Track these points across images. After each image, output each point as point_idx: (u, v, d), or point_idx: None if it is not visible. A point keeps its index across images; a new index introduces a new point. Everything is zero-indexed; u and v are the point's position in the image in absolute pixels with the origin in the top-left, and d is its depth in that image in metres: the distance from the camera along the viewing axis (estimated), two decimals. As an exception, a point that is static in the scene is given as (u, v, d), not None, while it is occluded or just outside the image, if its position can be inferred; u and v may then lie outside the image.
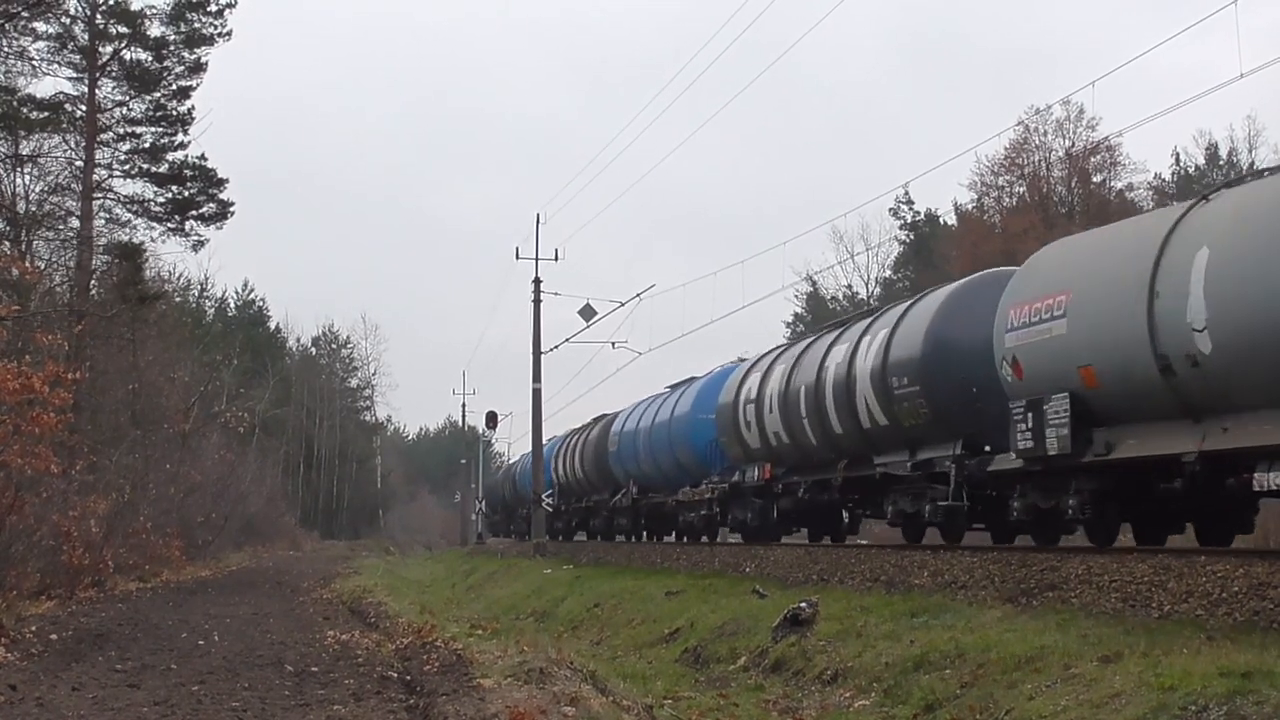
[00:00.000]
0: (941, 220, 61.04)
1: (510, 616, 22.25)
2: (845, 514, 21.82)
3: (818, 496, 20.86)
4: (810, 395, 19.81)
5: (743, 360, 26.70)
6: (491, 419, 56.87)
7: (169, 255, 65.96)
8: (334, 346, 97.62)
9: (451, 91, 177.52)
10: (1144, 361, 11.79)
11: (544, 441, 41.34)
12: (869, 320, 19.17)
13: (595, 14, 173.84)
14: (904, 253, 64.85)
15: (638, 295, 38.32)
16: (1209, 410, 11.41)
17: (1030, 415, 13.36)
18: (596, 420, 38.51)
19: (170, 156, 33.65)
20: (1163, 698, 7.66)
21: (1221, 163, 52.16)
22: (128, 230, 33.65)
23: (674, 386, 30.96)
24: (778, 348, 24.86)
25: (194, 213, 34.17)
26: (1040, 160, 50.35)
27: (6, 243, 28.77)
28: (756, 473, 22.51)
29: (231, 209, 34.61)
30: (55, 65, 31.31)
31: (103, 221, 32.74)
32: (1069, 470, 13.28)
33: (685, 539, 29.61)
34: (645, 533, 34.08)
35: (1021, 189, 51.51)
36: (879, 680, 10.71)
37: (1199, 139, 54.91)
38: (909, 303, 18.21)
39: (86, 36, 31.46)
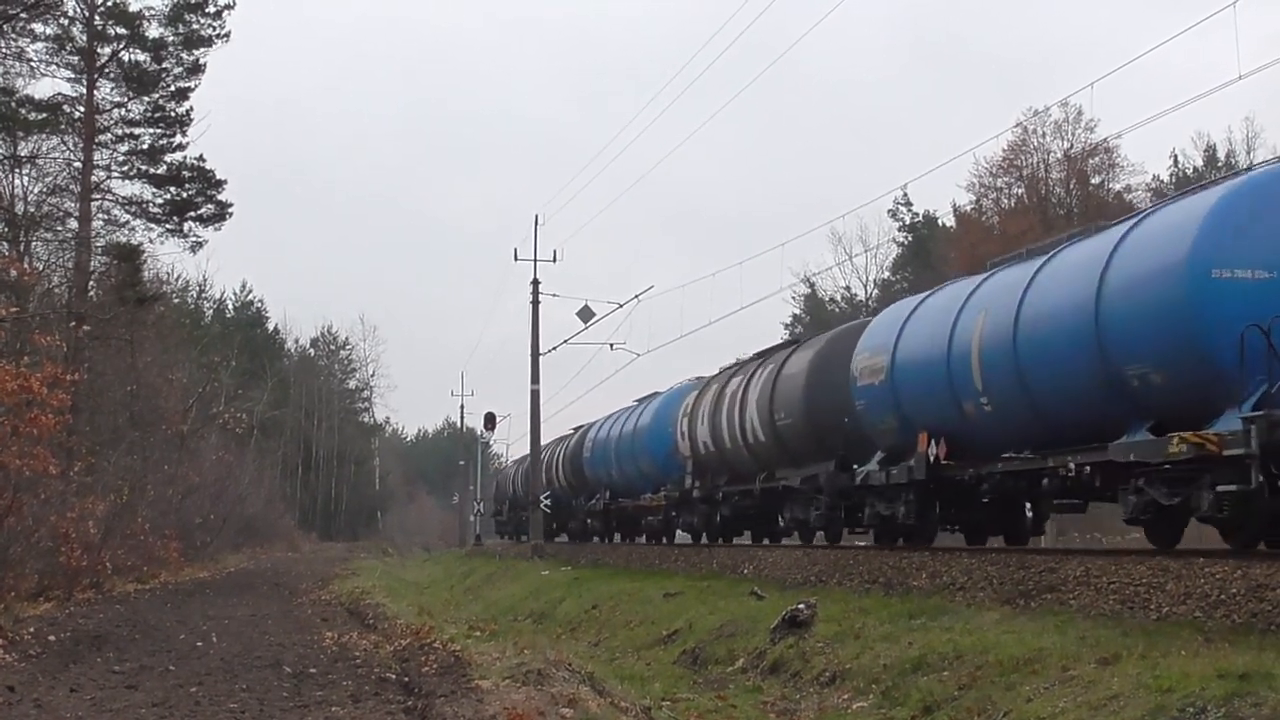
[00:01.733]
0: (940, 222, 61.11)
1: (508, 618, 22.24)
2: None
3: None
4: None
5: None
6: (490, 420, 56.83)
7: (167, 256, 66.34)
8: (332, 348, 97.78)
9: (451, 92, 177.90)
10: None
11: (663, 390, 32.82)
12: None
13: (595, 14, 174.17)
14: (902, 254, 64.90)
15: (636, 296, 38.00)
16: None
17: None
18: (789, 345, 24.83)
19: (169, 158, 33.70)
20: (1161, 700, 7.67)
21: (1220, 164, 52.21)
22: (126, 231, 33.73)
23: (1024, 255, 15.48)
24: None
25: (192, 214, 34.16)
26: (1039, 162, 50.45)
27: (5, 244, 28.77)
28: None
29: (230, 210, 34.65)
30: (54, 66, 31.37)
31: (101, 223, 32.80)
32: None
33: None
34: (942, 527, 18.42)
35: (1020, 190, 51.60)
36: (877, 682, 10.70)
37: (1197, 140, 55.16)
38: None
39: (85, 38, 31.47)
